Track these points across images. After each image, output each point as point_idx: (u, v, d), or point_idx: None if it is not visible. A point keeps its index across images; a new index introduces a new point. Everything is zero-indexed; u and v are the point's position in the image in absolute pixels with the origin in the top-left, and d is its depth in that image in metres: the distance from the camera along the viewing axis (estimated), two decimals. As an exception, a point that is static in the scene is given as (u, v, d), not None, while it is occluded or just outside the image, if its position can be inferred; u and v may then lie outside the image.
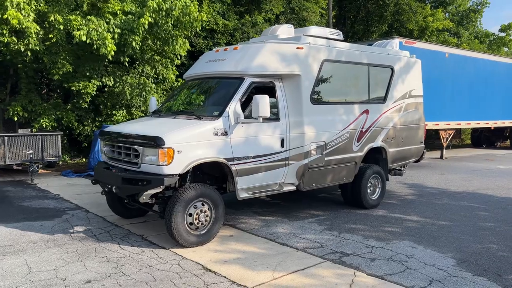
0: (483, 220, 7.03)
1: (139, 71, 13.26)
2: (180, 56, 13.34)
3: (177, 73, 13.82)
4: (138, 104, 12.93)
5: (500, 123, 18.11)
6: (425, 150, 9.12)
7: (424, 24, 24.75)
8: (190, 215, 5.43)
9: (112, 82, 12.24)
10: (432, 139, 19.92)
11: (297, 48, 6.54)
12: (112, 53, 10.59)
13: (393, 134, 8.00)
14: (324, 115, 6.86)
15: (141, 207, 6.33)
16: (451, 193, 9.25)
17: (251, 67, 6.19)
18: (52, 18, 10.27)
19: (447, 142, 15.91)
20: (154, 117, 6.75)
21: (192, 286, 4.34)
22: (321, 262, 5.03)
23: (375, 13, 25.65)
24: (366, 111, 7.54)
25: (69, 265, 4.86)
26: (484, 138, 21.13)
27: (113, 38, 10.59)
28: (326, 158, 6.86)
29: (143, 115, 12.55)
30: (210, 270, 4.75)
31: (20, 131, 11.95)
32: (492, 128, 18.31)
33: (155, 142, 5.27)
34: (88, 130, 12.57)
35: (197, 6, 11.83)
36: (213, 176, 6.22)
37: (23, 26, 9.84)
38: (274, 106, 6.28)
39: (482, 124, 17.31)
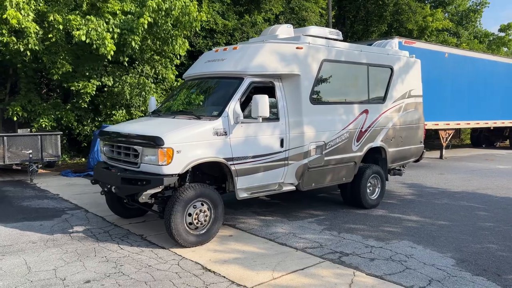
0: (483, 220, 7.04)
1: (139, 71, 13.25)
2: (180, 56, 13.33)
3: (177, 73, 13.81)
4: (138, 104, 12.93)
5: (499, 123, 18.13)
6: (424, 150, 9.12)
7: (423, 24, 24.77)
8: (190, 215, 5.43)
9: (112, 82, 12.24)
10: (432, 139, 19.94)
11: (297, 48, 6.53)
12: (112, 53, 10.59)
13: (392, 134, 8.00)
14: (324, 115, 6.86)
15: (141, 207, 6.33)
16: (450, 193, 9.25)
17: (250, 67, 6.19)
18: (51, 18, 10.27)
19: (447, 142, 15.91)
20: (153, 117, 6.74)
21: (192, 286, 4.33)
22: (321, 262, 5.03)
23: (375, 13, 25.65)
24: (366, 111, 7.54)
25: (68, 265, 4.86)
26: (483, 138, 21.14)
27: (112, 38, 10.59)
28: (325, 158, 6.86)
29: (143, 115, 12.55)
30: (209, 270, 4.75)
31: (20, 131, 11.96)
32: (492, 128, 18.32)
33: (155, 142, 5.27)
34: (88, 130, 12.56)
35: (196, 6, 11.83)
36: (212, 176, 6.22)
37: (23, 26, 9.84)
38: (273, 106, 6.28)
39: (482, 124, 17.32)
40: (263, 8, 18.45)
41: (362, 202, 7.54)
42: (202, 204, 5.54)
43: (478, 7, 32.29)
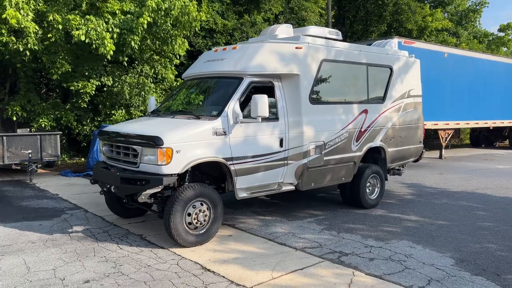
0: (482, 219, 7.04)
1: (138, 70, 13.25)
2: (179, 55, 13.33)
3: (176, 72, 13.81)
4: (137, 103, 12.92)
5: (499, 123, 18.13)
6: (424, 150, 9.12)
7: (423, 24, 24.77)
8: (189, 214, 5.43)
9: (111, 82, 12.24)
10: (431, 139, 19.94)
11: (296, 48, 6.53)
12: (111, 52, 10.58)
13: (392, 134, 8.00)
14: (323, 115, 6.86)
15: (140, 206, 6.33)
16: (450, 193, 9.26)
17: (250, 67, 6.19)
18: (51, 17, 10.26)
19: (446, 142, 15.92)
20: (153, 117, 6.74)
21: (191, 285, 4.33)
22: (320, 261, 5.03)
23: (374, 13, 25.66)
24: (365, 111, 7.54)
25: (67, 265, 4.85)
26: (483, 138, 21.15)
27: (112, 37, 10.58)
28: (325, 158, 6.86)
29: (142, 114, 12.55)
30: (209, 270, 4.75)
31: (19, 131, 11.95)
32: (491, 128, 18.33)
33: (154, 142, 5.27)
34: (87, 130, 12.56)
35: (196, 6, 11.82)
36: (212, 175, 6.22)
37: (22, 26, 9.83)
38: (273, 105, 6.28)
39: (481, 124, 17.33)
40: (262, 8, 18.45)
41: (362, 202, 7.54)
42: (202, 204, 5.54)
43: (477, 7, 32.32)
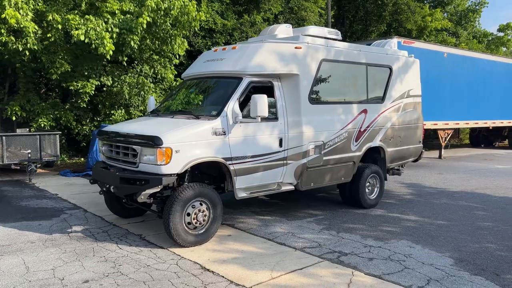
0: (481, 219, 7.04)
1: (138, 70, 13.24)
2: (179, 55, 13.32)
3: (176, 72, 13.80)
4: (137, 103, 12.92)
5: (498, 123, 18.14)
6: (423, 150, 9.12)
7: (422, 24, 24.78)
8: (188, 214, 5.43)
9: (111, 82, 12.23)
10: (431, 139, 19.95)
11: (296, 47, 6.53)
12: (111, 52, 10.58)
13: (391, 134, 8.01)
14: (323, 115, 6.86)
15: (139, 206, 6.32)
16: (449, 193, 9.26)
17: (249, 67, 6.19)
18: (50, 17, 10.25)
19: (446, 141, 15.92)
20: (152, 117, 6.74)
21: (190, 285, 4.33)
22: (319, 261, 5.03)
23: (374, 13, 25.66)
24: (365, 111, 7.54)
25: (67, 265, 4.85)
26: (482, 138, 21.16)
27: (111, 37, 10.57)
28: (324, 158, 6.86)
29: (142, 114, 12.55)
30: (208, 270, 4.74)
31: (18, 131, 11.94)
32: (491, 127, 18.33)
33: (153, 142, 5.26)
34: (87, 130, 12.55)
35: (195, 6, 11.82)
36: (211, 175, 6.22)
37: (21, 26, 9.82)
38: (272, 105, 6.28)
39: (481, 123, 17.34)
40: (262, 8, 18.45)
41: (361, 202, 7.54)
42: (201, 204, 5.54)
43: (477, 7, 32.33)
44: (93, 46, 10.40)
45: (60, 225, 6.48)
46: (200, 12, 12.14)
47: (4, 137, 9.70)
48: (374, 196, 7.81)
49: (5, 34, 9.94)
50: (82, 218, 6.89)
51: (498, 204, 8.17)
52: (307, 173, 6.66)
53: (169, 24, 11.65)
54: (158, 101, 12.02)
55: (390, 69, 8.07)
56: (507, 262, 5.09)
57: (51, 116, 11.67)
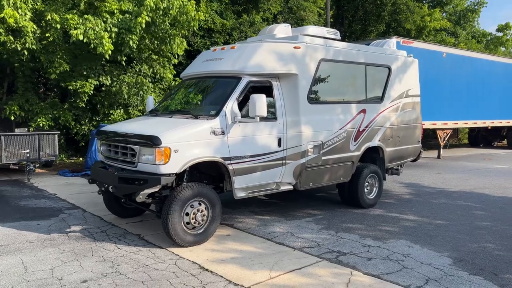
0: (480, 219, 7.05)
1: (137, 70, 13.24)
2: (178, 55, 13.32)
3: (175, 72, 13.80)
4: (136, 103, 12.91)
5: (497, 123, 18.15)
6: (422, 150, 9.13)
7: (421, 23, 24.79)
8: (187, 214, 5.42)
9: (109, 81, 12.23)
10: (430, 139, 19.96)
11: (294, 47, 6.53)
12: (109, 52, 10.57)
13: (390, 134, 8.01)
14: (321, 115, 6.86)
15: (138, 206, 6.32)
16: (448, 193, 9.27)
17: (248, 67, 6.19)
18: (49, 17, 10.24)
19: (444, 141, 15.94)
20: (151, 117, 6.73)
21: (189, 285, 4.33)
22: (318, 261, 5.03)
23: (373, 13, 25.67)
24: (363, 111, 7.55)
25: (65, 265, 4.85)
26: (481, 138, 21.17)
27: (110, 37, 10.56)
28: (323, 158, 6.86)
29: (141, 114, 12.54)
30: (206, 270, 4.74)
31: (17, 131, 11.93)
32: (489, 127, 18.35)
33: (152, 141, 5.26)
34: (85, 130, 12.54)
35: (194, 5, 11.82)
36: (210, 175, 6.21)
37: (20, 25, 9.81)
38: (271, 105, 6.28)
39: (479, 123, 17.35)
40: (261, 7, 18.45)
41: (360, 202, 7.54)
42: (200, 204, 5.54)
43: (476, 7, 32.35)
44: (92, 45, 10.39)
45: (58, 225, 6.47)
46: (199, 12, 12.15)
47: (2, 137, 9.68)
48: (373, 196, 7.81)
49: (3, 33, 9.93)
50: (80, 218, 6.88)
51: (496, 204, 8.18)
52: (306, 173, 6.66)
53: (168, 24, 11.64)
54: (157, 100, 12.02)
55: (389, 69, 8.07)
56: (506, 261, 5.09)
57: (50, 115, 11.66)
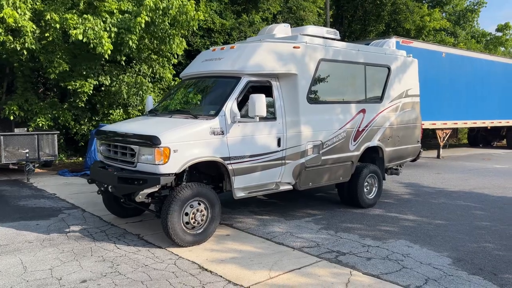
0: (479, 219, 7.05)
1: (136, 70, 13.23)
2: (177, 55, 13.32)
3: (174, 72, 13.80)
4: (135, 103, 12.91)
5: (496, 123, 18.16)
6: (421, 150, 9.14)
7: (421, 23, 24.80)
8: (187, 214, 5.42)
9: (109, 81, 12.22)
10: (429, 139, 19.97)
11: (294, 47, 6.53)
12: (109, 52, 10.56)
13: (389, 134, 8.01)
14: (321, 114, 6.86)
15: (137, 206, 6.32)
16: (447, 192, 9.27)
17: (247, 66, 6.18)
18: (48, 16, 10.23)
19: (444, 141, 15.94)
20: (150, 116, 6.73)
21: (188, 285, 4.33)
22: (317, 261, 5.03)
23: (372, 13, 25.68)
24: (363, 111, 7.55)
25: (64, 265, 4.84)
26: (480, 138, 21.18)
27: (109, 37, 10.55)
28: (322, 157, 6.86)
29: (140, 114, 12.53)
30: (206, 270, 4.74)
31: (16, 130, 11.91)
32: (489, 127, 18.36)
33: (151, 141, 5.26)
34: (85, 129, 12.54)
35: (194, 5, 11.81)
36: (209, 175, 6.21)
37: (19, 25, 9.80)
38: (270, 105, 6.28)
39: (479, 123, 17.36)
40: (261, 7, 18.44)
41: (359, 202, 7.54)
42: (199, 204, 5.54)
43: (475, 7, 32.36)
44: (91, 45, 10.38)
45: (58, 224, 6.47)
46: (199, 12, 12.14)
47: (2, 137, 9.68)
48: (372, 196, 7.81)
49: (3, 33, 9.91)
50: (80, 217, 6.88)
51: (496, 204, 8.18)
52: (306, 172, 6.66)
53: (167, 24, 11.64)
54: (156, 100, 12.02)
55: (389, 68, 8.07)
56: (505, 261, 5.10)
57: (49, 115, 11.65)
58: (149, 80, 13.38)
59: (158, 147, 5.20)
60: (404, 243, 5.72)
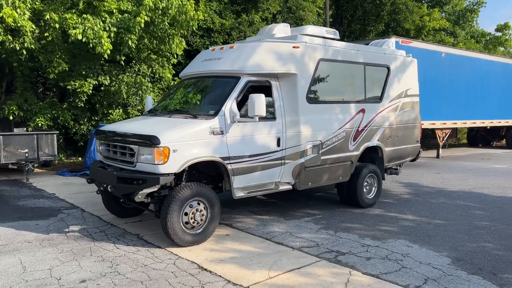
0: (479, 219, 7.06)
1: (136, 70, 13.22)
2: (177, 55, 13.31)
3: (174, 72, 13.79)
4: (134, 103, 12.90)
5: (496, 123, 18.18)
6: (421, 149, 9.14)
7: (420, 23, 24.80)
8: (186, 214, 5.42)
9: (108, 81, 12.21)
10: (428, 138, 19.97)
11: (293, 47, 6.53)
12: (108, 52, 10.56)
13: (389, 133, 8.01)
14: (320, 114, 6.86)
15: (137, 206, 6.32)
16: (447, 192, 9.27)
17: (247, 66, 6.18)
18: (47, 16, 10.22)
19: (443, 141, 15.95)
20: (150, 116, 6.73)
21: (188, 285, 4.33)
22: (317, 261, 5.03)
23: (372, 13, 25.68)
24: (362, 110, 7.55)
25: (64, 265, 4.84)
26: (480, 137, 21.20)
27: (109, 36, 10.55)
28: (322, 157, 6.86)
29: (139, 114, 12.53)
30: (205, 269, 4.74)
31: (16, 130, 11.90)
32: (488, 127, 18.38)
33: (151, 141, 5.25)
34: (84, 129, 12.53)
35: (193, 5, 11.81)
36: (209, 175, 6.21)
37: (19, 25, 9.79)
38: (270, 105, 6.27)
39: (478, 123, 17.37)
40: (260, 7, 18.43)
41: (359, 201, 7.54)
42: (199, 203, 5.53)
43: (475, 7, 32.37)
44: (91, 45, 10.38)
45: (57, 224, 6.46)
46: (198, 12, 12.13)
47: (1, 137, 9.67)
48: (372, 196, 7.81)
49: (2, 33, 9.90)
50: (79, 217, 6.87)
51: (495, 204, 8.19)
52: (305, 172, 6.66)
53: (167, 24, 11.64)
54: (155, 100, 12.02)
55: (388, 68, 8.08)
56: (504, 261, 5.10)
57: (49, 115, 11.65)
58: (149, 80, 13.38)
59: (158, 147, 5.19)
60: (403, 243, 5.72)
